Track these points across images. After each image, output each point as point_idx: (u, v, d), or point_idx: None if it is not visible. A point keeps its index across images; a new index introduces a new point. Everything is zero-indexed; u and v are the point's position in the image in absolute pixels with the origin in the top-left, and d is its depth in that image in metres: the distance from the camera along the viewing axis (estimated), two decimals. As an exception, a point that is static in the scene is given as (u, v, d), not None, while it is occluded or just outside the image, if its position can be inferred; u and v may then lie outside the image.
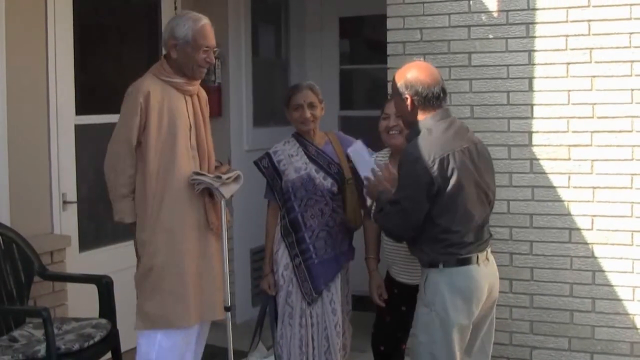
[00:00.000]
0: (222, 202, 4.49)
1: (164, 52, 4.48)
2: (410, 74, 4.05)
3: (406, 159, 3.98)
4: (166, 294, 4.31)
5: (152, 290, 4.32)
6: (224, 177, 4.41)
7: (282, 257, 4.85)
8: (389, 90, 5.49)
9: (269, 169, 4.85)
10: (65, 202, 5.59)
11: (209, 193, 4.44)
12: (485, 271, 4.03)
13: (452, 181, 3.89)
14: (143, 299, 4.36)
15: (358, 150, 4.58)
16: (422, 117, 4.05)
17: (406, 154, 4.01)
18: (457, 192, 3.90)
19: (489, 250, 4.11)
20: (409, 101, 4.03)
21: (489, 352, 4.28)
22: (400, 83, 4.06)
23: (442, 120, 4.04)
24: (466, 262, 3.96)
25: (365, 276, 4.90)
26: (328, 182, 4.82)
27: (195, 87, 4.47)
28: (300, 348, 4.79)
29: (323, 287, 4.82)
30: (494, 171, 4.26)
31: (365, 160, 4.50)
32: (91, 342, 4.70)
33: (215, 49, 4.42)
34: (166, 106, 4.27)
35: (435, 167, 3.86)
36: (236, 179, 4.51)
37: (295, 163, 4.84)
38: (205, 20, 4.38)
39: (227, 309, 4.59)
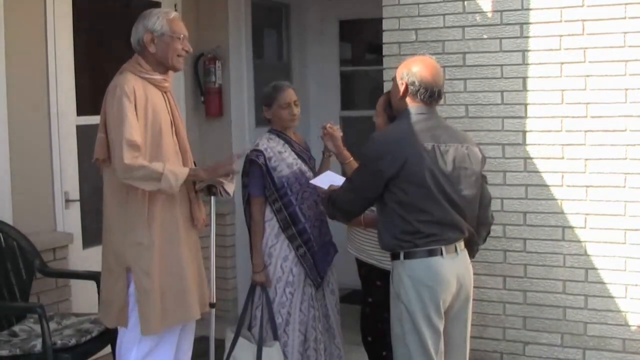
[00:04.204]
0: (212, 199, 4.43)
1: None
2: (416, 67, 3.97)
3: (368, 142, 3.97)
4: (169, 294, 4.09)
5: (154, 292, 4.04)
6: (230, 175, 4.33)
7: (280, 249, 4.81)
8: (386, 90, 5.36)
9: (265, 165, 4.77)
10: (67, 201, 5.51)
11: (207, 189, 4.34)
12: (452, 263, 3.88)
13: (403, 173, 3.79)
14: (147, 305, 4.04)
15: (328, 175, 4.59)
16: (407, 107, 3.98)
17: (370, 137, 4.00)
18: (406, 184, 3.81)
19: (459, 244, 3.95)
20: (403, 87, 3.96)
21: (466, 350, 4.12)
22: (403, 70, 4.00)
23: (419, 114, 3.96)
24: (428, 253, 3.84)
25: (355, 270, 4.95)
26: (311, 175, 4.86)
27: (170, 83, 4.30)
28: (299, 331, 4.78)
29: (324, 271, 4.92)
30: (477, 177, 4.06)
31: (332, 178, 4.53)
32: (88, 337, 4.61)
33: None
34: (150, 103, 4.07)
35: (389, 154, 3.81)
36: (233, 177, 4.39)
37: (286, 159, 4.83)
38: (175, 12, 4.30)
39: (211, 305, 4.48)
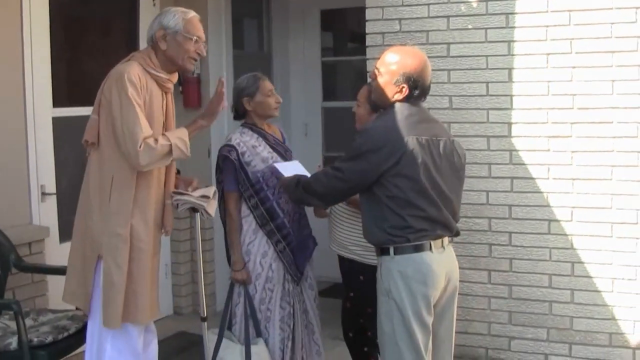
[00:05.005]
0: (197, 215, 4.41)
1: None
2: (415, 70, 3.87)
3: (362, 132, 3.93)
4: (133, 291, 4.03)
5: (121, 286, 3.99)
6: (211, 195, 4.29)
7: (259, 246, 4.73)
8: (370, 74, 5.34)
9: (238, 161, 4.67)
10: (43, 194, 5.42)
11: (190, 209, 4.29)
12: (440, 258, 3.85)
13: (399, 166, 3.74)
14: (111, 298, 4.01)
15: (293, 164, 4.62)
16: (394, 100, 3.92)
17: (364, 128, 3.98)
18: (400, 178, 3.75)
19: (445, 239, 3.91)
20: (406, 91, 3.85)
21: (452, 345, 4.09)
22: (398, 70, 3.86)
23: (410, 107, 3.88)
24: (417, 248, 3.79)
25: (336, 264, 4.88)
26: None
27: (173, 84, 4.23)
28: (280, 328, 4.73)
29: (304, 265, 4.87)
30: (460, 174, 4.03)
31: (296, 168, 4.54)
32: (65, 334, 4.50)
33: (205, 43, 4.19)
34: (148, 99, 4.01)
35: (386, 147, 3.75)
36: (214, 195, 4.37)
37: (261, 153, 4.72)
38: (194, 13, 4.18)
39: (203, 319, 4.48)
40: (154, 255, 4.16)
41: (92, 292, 4.04)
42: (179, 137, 4.01)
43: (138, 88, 3.90)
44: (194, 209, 4.29)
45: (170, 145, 3.93)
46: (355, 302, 4.74)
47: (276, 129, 4.97)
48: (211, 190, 4.34)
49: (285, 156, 4.81)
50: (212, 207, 4.31)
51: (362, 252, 4.54)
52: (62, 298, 4.23)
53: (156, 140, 3.90)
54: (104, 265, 3.98)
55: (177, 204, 4.19)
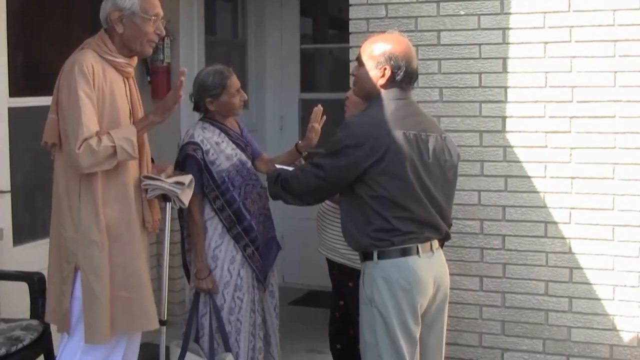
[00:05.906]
0: (168, 205, 4.28)
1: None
2: (396, 49, 3.83)
3: (343, 127, 3.84)
4: (121, 300, 3.92)
5: (104, 297, 3.87)
6: (186, 182, 4.19)
7: (226, 251, 4.62)
8: (352, 70, 5.23)
9: (203, 160, 4.56)
10: None
11: (162, 197, 4.18)
12: (428, 263, 3.79)
13: (383, 164, 3.68)
14: (94, 311, 3.88)
15: None
16: (383, 91, 3.85)
17: (346, 123, 3.91)
18: (384, 177, 3.69)
19: (434, 242, 3.84)
20: (388, 72, 3.80)
21: (441, 358, 4.02)
22: (379, 53, 3.83)
23: (396, 99, 3.83)
24: (403, 252, 3.73)
25: (321, 270, 4.88)
26: (249, 164, 4.72)
27: (133, 68, 4.11)
28: (248, 340, 4.64)
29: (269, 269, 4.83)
30: (451, 174, 3.94)
31: None
32: (19, 345, 4.34)
33: (163, 20, 4.07)
34: (108, 88, 3.88)
35: (368, 143, 3.69)
36: (190, 183, 4.26)
37: (225, 150, 4.62)
38: None
39: (162, 322, 4.31)
40: (141, 255, 4.04)
41: (70, 306, 3.91)
42: (126, 137, 3.84)
43: (91, 79, 3.77)
44: (165, 198, 4.18)
45: (114, 147, 3.78)
46: (346, 311, 4.65)
47: (233, 121, 4.85)
48: (187, 177, 4.23)
49: (246, 150, 4.72)
50: (187, 196, 4.22)
51: (354, 256, 4.38)
52: (45, 318, 4.15)
53: (100, 140, 3.75)
54: (82, 277, 3.88)
55: (147, 189, 4.06)
